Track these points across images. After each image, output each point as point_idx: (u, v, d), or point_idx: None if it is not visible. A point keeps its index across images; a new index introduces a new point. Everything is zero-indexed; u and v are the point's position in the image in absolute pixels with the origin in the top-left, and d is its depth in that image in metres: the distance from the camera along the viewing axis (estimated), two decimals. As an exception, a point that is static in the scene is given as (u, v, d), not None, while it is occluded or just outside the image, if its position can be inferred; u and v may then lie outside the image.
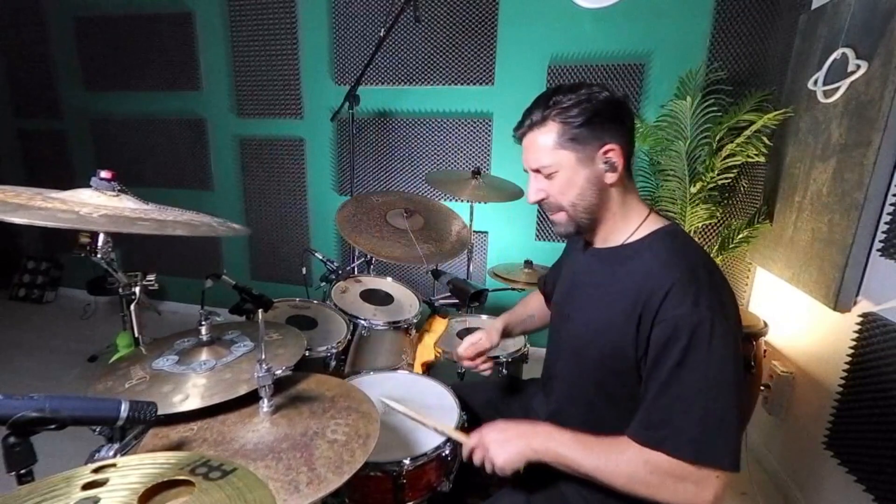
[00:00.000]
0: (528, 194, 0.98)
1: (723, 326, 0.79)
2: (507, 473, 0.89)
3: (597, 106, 0.88)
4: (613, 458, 0.82)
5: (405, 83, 2.79)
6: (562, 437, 0.88)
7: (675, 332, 0.80)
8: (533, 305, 1.37)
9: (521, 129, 0.94)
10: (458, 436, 1.03)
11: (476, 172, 2.14)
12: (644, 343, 0.84)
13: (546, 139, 0.90)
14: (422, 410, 1.13)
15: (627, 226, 0.95)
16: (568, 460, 0.85)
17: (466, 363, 1.24)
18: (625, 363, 0.88)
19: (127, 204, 0.98)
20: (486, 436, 0.93)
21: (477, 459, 0.93)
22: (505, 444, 0.89)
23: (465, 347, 1.23)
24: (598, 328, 0.93)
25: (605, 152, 0.89)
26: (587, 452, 0.84)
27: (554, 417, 1.07)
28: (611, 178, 0.91)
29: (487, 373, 1.26)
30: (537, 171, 0.94)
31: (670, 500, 0.81)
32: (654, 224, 0.94)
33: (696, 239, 2.31)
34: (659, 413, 0.81)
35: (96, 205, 0.91)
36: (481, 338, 1.24)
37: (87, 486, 0.52)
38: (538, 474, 0.90)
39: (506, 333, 1.31)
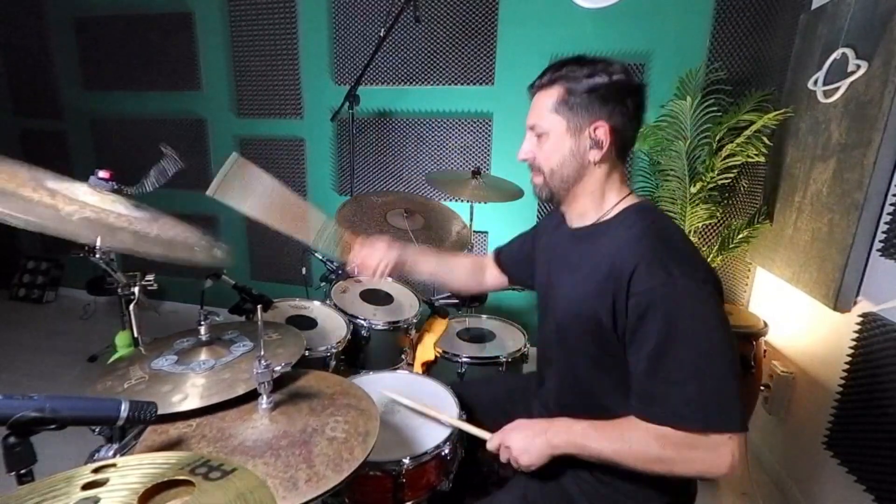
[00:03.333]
0: (518, 151, 1.01)
1: (701, 291, 0.80)
2: (532, 470, 0.91)
3: (603, 81, 0.88)
4: (626, 438, 0.83)
5: (405, 83, 2.78)
6: (579, 428, 0.88)
7: (652, 303, 0.80)
8: (458, 262, 1.36)
9: (533, 88, 0.97)
10: (477, 431, 1.04)
11: (476, 172, 2.14)
12: (623, 315, 0.85)
13: (547, 101, 0.93)
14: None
15: (604, 205, 0.96)
16: (588, 449, 0.86)
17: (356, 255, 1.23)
18: (606, 334, 0.89)
19: (117, 208, 0.97)
20: (507, 436, 0.94)
21: (503, 458, 0.95)
22: (527, 444, 0.91)
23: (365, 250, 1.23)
24: (577, 305, 0.94)
25: (595, 129, 0.90)
26: (604, 437, 0.85)
27: (547, 398, 1.09)
28: (594, 155, 0.91)
29: (365, 276, 1.27)
30: (532, 128, 0.97)
31: (689, 471, 0.81)
32: (628, 202, 0.95)
33: (696, 239, 2.31)
34: (658, 387, 0.82)
35: (83, 203, 0.90)
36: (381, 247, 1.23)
37: (87, 486, 0.52)
38: (539, 469, 0.92)
39: (406, 265, 1.25)
